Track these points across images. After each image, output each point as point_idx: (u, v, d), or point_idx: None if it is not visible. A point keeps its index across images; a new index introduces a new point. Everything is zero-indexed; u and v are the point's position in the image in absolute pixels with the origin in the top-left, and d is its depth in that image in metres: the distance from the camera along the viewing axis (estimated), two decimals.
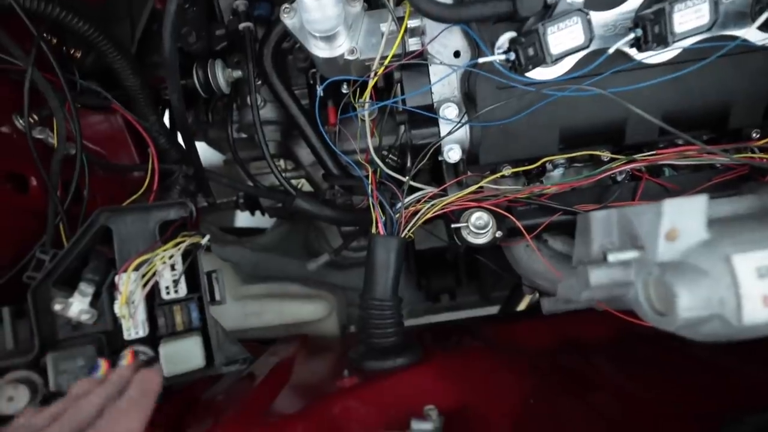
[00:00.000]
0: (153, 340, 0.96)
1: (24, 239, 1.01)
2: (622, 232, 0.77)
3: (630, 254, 0.72)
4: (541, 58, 0.82)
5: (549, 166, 1.06)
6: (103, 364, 0.78)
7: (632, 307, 0.75)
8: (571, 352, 1.21)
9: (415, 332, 1.41)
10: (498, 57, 0.87)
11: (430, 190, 1.07)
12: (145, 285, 0.91)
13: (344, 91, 1.35)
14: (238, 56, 1.39)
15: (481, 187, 1.03)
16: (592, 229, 0.79)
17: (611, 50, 0.84)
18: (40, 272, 0.89)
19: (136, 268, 0.90)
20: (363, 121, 1.18)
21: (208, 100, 1.56)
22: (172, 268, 0.95)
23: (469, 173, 1.07)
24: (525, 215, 1.02)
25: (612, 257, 0.72)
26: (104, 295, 0.94)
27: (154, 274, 0.92)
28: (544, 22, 0.80)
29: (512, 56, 0.85)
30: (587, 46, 0.82)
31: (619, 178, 1.03)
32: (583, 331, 1.30)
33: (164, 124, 1.31)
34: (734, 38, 0.86)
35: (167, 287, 0.95)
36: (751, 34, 0.87)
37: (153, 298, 0.96)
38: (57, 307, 0.88)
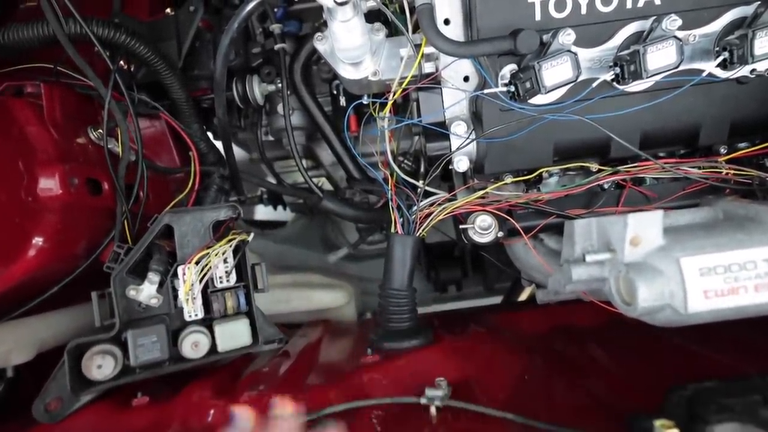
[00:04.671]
0: (207, 321, 1.12)
1: (97, 233, 1.16)
2: (599, 237, 0.92)
3: (604, 256, 0.88)
4: (536, 90, 0.96)
5: (545, 175, 1.18)
6: None
7: (608, 298, 0.91)
8: (563, 338, 1.35)
9: (426, 318, 1.55)
10: (500, 89, 1.01)
11: (442, 195, 1.20)
12: (203, 276, 1.08)
13: (365, 102, 1.49)
14: (269, 68, 1.51)
15: (486, 192, 1.16)
16: (575, 234, 0.95)
17: (595, 84, 0.99)
18: (118, 263, 1.05)
19: (197, 262, 1.07)
20: (382, 131, 1.32)
21: (240, 108, 1.70)
22: (225, 261, 1.11)
23: (475, 180, 1.19)
24: (523, 218, 1.16)
25: (590, 258, 0.89)
26: (167, 283, 1.10)
27: (210, 266, 1.08)
28: (539, 59, 0.95)
29: (512, 88, 1.00)
30: (575, 80, 0.97)
31: (606, 186, 1.16)
32: (574, 319, 1.44)
33: (204, 130, 1.47)
34: (702, 71, 1.01)
35: (220, 277, 1.12)
36: (714, 69, 1.02)
37: (206, 286, 1.11)
38: (132, 293, 1.04)
